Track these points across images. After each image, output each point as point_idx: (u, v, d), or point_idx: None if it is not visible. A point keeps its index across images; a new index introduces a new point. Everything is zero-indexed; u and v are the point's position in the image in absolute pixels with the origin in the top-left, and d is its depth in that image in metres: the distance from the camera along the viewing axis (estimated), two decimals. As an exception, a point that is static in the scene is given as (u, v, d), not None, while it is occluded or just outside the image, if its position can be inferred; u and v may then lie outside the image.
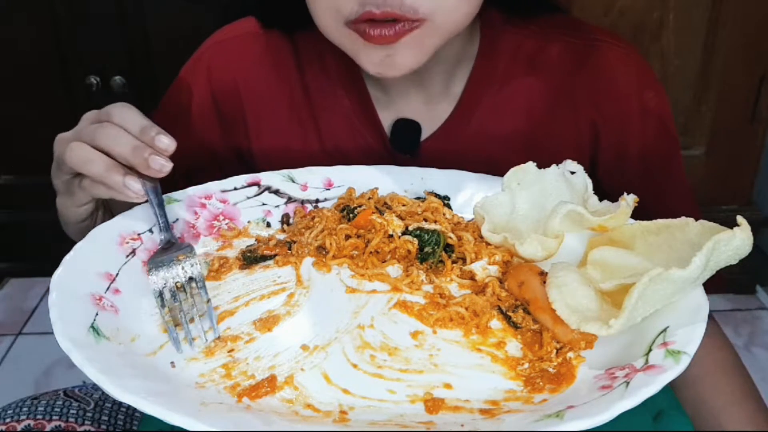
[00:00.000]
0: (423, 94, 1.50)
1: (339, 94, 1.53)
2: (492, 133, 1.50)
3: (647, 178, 1.51)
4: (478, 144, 1.50)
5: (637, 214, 1.14)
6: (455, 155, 1.50)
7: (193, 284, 1.09)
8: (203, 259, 1.21)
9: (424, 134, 1.52)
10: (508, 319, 1.08)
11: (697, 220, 1.04)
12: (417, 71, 1.33)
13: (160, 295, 1.07)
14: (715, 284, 1.06)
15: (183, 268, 1.11)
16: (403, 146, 1.51)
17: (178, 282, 1.09)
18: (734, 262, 0.98)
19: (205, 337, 1.02)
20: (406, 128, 1.50)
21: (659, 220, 1.09)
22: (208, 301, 1.06)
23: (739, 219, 0.97)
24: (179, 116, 1.57)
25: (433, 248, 1.20)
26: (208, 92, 1.57)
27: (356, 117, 1.53)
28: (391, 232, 1.23)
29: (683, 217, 1.06)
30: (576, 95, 1.49)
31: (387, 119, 1.53)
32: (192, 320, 1.04)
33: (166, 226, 1.18)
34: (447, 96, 1.51)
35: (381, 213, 1.24)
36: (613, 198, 1.16)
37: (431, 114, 1.50)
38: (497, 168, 1.28)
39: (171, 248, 1.15)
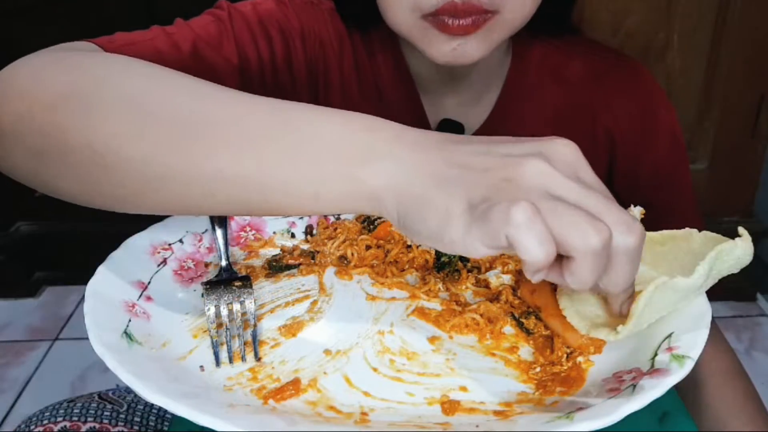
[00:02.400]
0: (458, 100, 1.50)
1: (389, 93, 1.52)
2: None
3: (658, 191, 1.52)
4: None
5: (646, 223, 1.14)
6: None
7: (244, 310, 1.09)
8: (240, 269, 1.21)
9: None
10: (520, 325, 1.08)
11: (699, 226, 1.04)
12: (456, 76, 1.34)
13: (212, 311, 1.07)
14: (717, 292, 1.06)
15: (238, 295, 1.10)
16: None
17: (230, 304, 1.09)
18: (735, 271, 0.98)
19: (245, 357, 1.01)
20: (450, 128, 1.49)
21: (664, 231, 1.09)
22: (255, 326, 1.06)
23: (741, 230, 0.96)
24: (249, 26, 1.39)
25: (450, 258, 1.20)
26: (298, 26, 1.44)
27: (406, 115, 1.52)
28: (409, 243, 1.23)
29: (687, 228, 1.06)
30: (595, 108, 1.50)
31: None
32: (235, 336, 1.04)
33: (227, 257, 1.19)
34: (481, 104, 1.51)
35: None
36: (625, 209, 1.16)
37: (465, 120, 1.50)
38: None
39: (229, 276, 1.16)
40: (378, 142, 0.81)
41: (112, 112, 0.90)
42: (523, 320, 1.08)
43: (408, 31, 1.26)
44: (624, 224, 0.75)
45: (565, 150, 0.81)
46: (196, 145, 0.86)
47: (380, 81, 1.50)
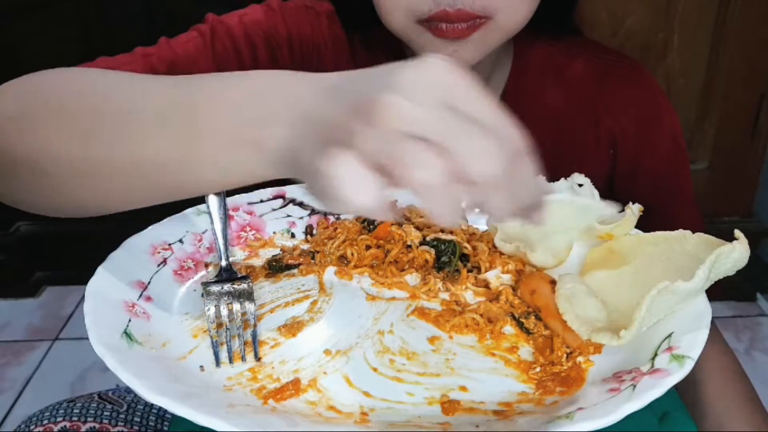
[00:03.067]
0: None
1: None
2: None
3: (658, 193, 1.52)
4: None
5: (645, 224, 1.14)
6: None
7: (244, 310, 1.09)
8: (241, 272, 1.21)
9: None
10: (520, 325, 1.08)
11: (699, 230, 1.05)
12: None
13: (212, 311, 1.07)
14: (716, 292, 1.06)
15: (238, 295, 1.10)
16: None
17: (230, 304, 1.09)
18: (732, 273, 0.99)
19: (245, 357, 1.02)
20: None
21: (658, 233, 1.09)
22: (255, 327, 1.06)
23: (737, 233, 0.97)
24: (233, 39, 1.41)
25: (450, 258, 1.20)
26: (285, 33, 1.45)
27: None
28: (409, 243, 1.23)
29: (680, 230, 1.06)
30: (597, 109, 1.50)
31: None
32: (235, 336, 1.04)
33: (227, 257, 1.18)
34: None
35: (400, 225, 1.24)
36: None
37: None
38: None
39: (229, 276, 1.15)
40: (270, 107, 0.80)
41: (46, 120, 0.94)
42: (523, 320, 1.08)
43: (405, 35, 1.28)
44: (481, 149, 0.70)
45: (431, 74, 0.73)
46: (109, 137, 0.89)
47: None
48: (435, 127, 0.69)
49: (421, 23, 1.23)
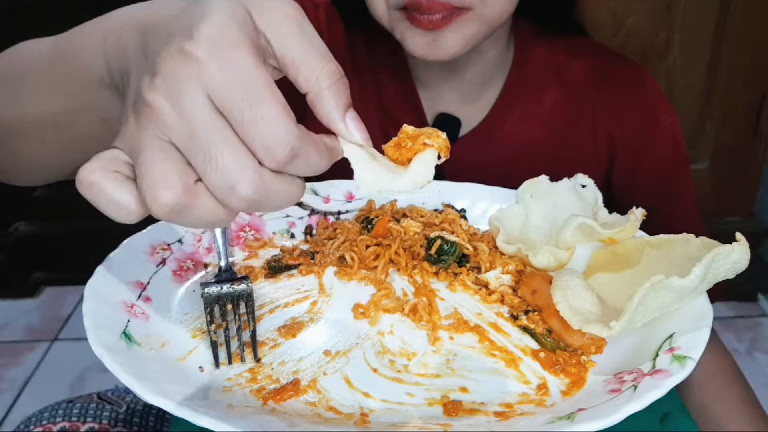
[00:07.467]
0: (458, 96, 1.51)
1: (385, 83, 1.54)
2: (520, 138, 1.52)
3: (658, 193, 1.52)
4: (506, 148, 1.53)
5: (646, 227, 1.14)
6: (484, 157, 1.52)
7: (243, 310, 1.09)
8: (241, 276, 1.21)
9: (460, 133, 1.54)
10: (523, 328, 1.08)
11: (701, 235, 1.04)
12: (455, 72, 1.34)
13: (211, 312, 1.06)
14: (718, 293, 1.06)
15: (236, 295, 1.10)
16: None
17: (229, 304, 1.09)
18: (731, 276, 0.98)
19: (244, 358, 1.01)
20: (447, 122, 1.51)
21: (662, 236, 1.09)
22: (254, 327, 1.06)
23: (738, 236, 0.97)
24: None
25: (448, 257, 1.19)
26: None
27: (399, 105, 1.54)
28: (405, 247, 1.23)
29: (684, 234, 1.06)
30: (597, 109, 1.51)
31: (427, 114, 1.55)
32: (234, 337, 1.04)
33: (227, 257, 1.18)
34: (481, 101, 1.52)
35: (398, 221, 1.25)
36: (625, 211, 1.16)
37: (464, 117, 1.51)
38: (522, 172, 1.28)
39: (229, 277, 1.15)
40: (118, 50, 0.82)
41: None
42: (524, 320, 1.08)
43: (387, 23, 1.31)
44: (225, 183, 0.67)
45: (195, 69, 0.66)
46: (10, 100, 1.00)
47: (378, 73, 1.52)
48: (190, 142, 0.67)
49: (400, 11, 1.26)
